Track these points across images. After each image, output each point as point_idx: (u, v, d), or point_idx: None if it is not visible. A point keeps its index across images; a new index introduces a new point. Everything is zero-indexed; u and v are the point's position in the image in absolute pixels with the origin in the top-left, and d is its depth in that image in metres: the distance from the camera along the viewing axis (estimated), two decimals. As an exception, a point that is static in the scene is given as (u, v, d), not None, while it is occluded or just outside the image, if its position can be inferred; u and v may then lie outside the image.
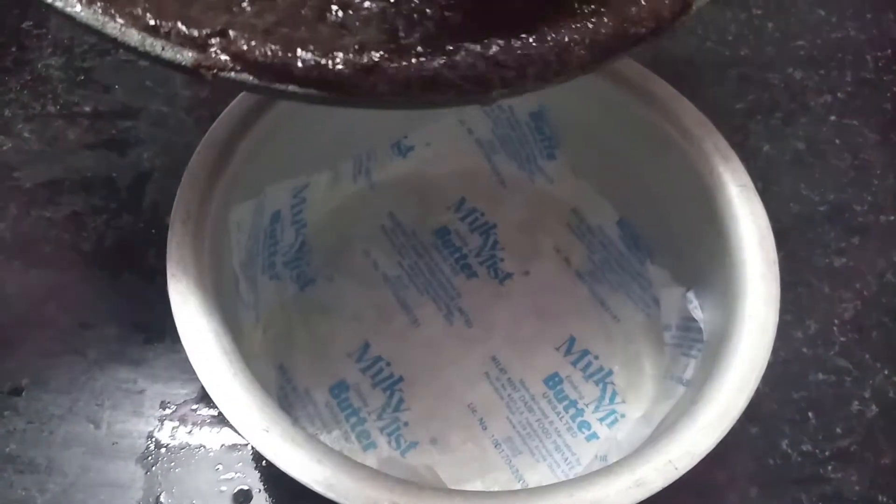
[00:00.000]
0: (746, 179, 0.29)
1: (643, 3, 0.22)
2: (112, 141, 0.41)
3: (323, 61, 0.20)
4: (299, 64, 0.20)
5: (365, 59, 0.20)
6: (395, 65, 0.20)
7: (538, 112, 0.35)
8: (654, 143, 0.31)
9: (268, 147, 0.30)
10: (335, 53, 0.20)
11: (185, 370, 0.25)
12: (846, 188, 0.41)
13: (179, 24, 0.20)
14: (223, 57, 0.20)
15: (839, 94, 0.44)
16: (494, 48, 0.20)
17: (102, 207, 0.39)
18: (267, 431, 0.24)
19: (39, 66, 0.43)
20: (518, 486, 0.32)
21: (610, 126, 0.33)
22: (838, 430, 0.35)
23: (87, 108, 0.41)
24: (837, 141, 0.42)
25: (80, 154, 0.40)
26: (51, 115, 0.41)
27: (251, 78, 0.20)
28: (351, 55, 0.20)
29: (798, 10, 0.47)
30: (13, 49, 0.43)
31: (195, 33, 0.20)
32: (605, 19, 0.21)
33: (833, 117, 0.43)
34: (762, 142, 0.42)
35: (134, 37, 0.21)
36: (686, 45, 0.45)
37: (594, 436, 0.33)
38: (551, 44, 0.21)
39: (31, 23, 0.44)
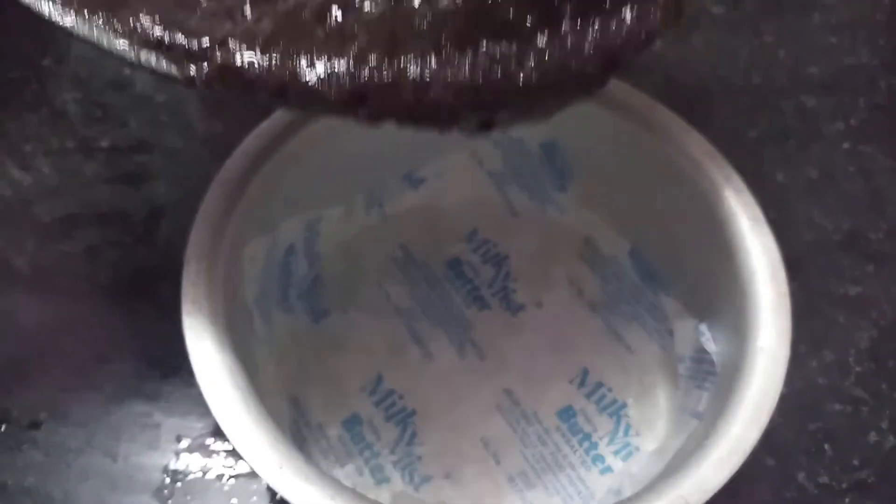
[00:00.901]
0: (757, 212, 0.29)
1: None
2: (128, 175, 0.41)
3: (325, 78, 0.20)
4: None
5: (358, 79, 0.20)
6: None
7: (549, 144, 0.35)
8: (665, 175, 0.31)
9: (282, 182, 0.31)
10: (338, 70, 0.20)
11: (201, 404, 0.25)
12: (860, 216, 0.41)
13: (179, 36, 0.20)
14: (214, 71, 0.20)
15: (852, 121, 0.44)
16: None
17: (118, 241, 0.39)
18: (281, 468, 0.24)
19: (58, 101, 0.43)
20: (532, 521, 0.32)
21: (621, 158, 0.33)
22: (855, 462, 0.35)
23: (104, 143, 0.42)
24: (851, 168, 0.42)
25: (96, 188, 0.41)
26: (69, 150, 0.42)
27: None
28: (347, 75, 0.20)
29: (810, 37, 0.47)
30: (33, 85, 0.44)
31: (195, 45, 0.20)
32: None
33: (847, 144, 0.43)
34: (775, 169, 0.42)
35: (130, 50, 0.21)
36: (697, 74, 0.45)
37: (608, 469, 0.33)
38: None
39: (51, 59, 0.44)
